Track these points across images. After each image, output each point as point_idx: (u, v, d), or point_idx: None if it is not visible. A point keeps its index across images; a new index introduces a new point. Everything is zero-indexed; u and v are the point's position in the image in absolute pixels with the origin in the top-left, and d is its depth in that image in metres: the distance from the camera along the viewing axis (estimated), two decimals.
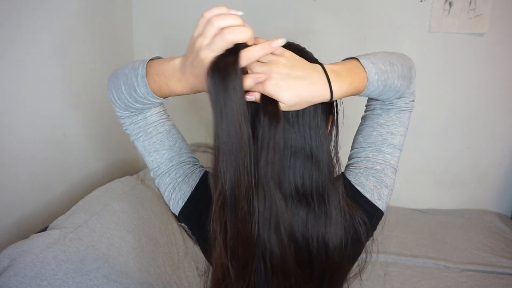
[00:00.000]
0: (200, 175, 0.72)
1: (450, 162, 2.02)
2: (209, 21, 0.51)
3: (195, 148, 2.13)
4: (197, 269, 1.40)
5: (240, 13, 0.53)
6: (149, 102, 0.63)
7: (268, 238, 0.57)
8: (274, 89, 0.54)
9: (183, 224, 1.65)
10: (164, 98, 0.63)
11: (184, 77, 0.56)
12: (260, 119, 0.55)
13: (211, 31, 0.50)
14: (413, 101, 0.71)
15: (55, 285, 1.05)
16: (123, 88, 0.63)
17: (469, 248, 1.69)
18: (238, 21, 0.52)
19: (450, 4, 1.77)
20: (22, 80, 1.34)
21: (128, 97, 0.64)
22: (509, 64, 1.84)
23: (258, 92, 0.56)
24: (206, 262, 0.74)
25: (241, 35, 0.51)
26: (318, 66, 0.58)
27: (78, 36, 1.62)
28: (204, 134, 2.18)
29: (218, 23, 0.50)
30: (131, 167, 2.14)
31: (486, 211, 1.99)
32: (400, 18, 1.86)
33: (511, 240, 1.77)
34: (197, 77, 0.54)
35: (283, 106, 0.56)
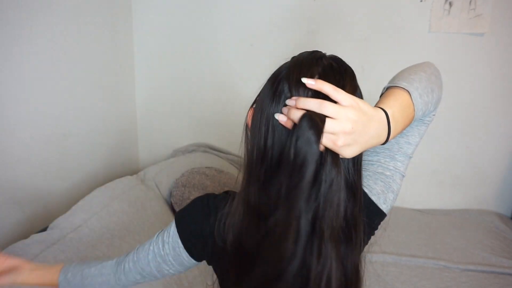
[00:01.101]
0: (180, 245, 0.71)
1: (450, 162, 2.02)
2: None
3: (195, 148, 2.13)
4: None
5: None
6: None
7: None
8: (343, 149, 0.52)
9: None
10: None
11: None
12: (325, 171, 0.52)
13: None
14: (434, 114, 0.70)
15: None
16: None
17: (469, 248, 1.69)
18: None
19: (450, 4, 1.77)
20: (22, 80, 1.34)
21: None
22: (509, 64, 1.83)
23: (325, 146, 0.52)
24: (214, 275, 0.74)
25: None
26: (383, 117, 0.54)
27: (78, 37, 1.62)
28: (204, 133, 2.18)
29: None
30: (131, 167, 2.14)
31: (486, 211, 1.99)
32: (400, 18, 1.86)
33: (511, 240, 1.76)
34: None
35: (341, 156, 0.54)
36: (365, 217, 0.65)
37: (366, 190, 0.67)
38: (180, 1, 2.02)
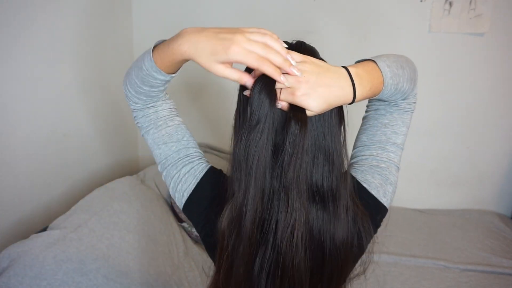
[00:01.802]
0: (206, 170, 0.73)
1: (450, 162, 2.02)
2: (265, 33, 0.56)
3: None
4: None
5: (285, 45, 0.57)
6: (153, 79, 0.66)
7: (283, 245, 0.59)
8: (304, 99, 0.55)
9: (183, 224, 1.65)
10: (166, 72, 0.65)
11: (192, 37, 0.58)
12: (290, 127, 0.56)
13: (259, 37, 0.55)
14: (415, 102, 0.73)
15: (55, 285, 1.05)
16: (133, 73, 0.68)
17: (469, 248, 1.69)
18: (282, 51, 0.56)
19: (450, 4, 1.77)
20: (22, 80, 1.34)
21: (136, 80, 0.67)
22: (509, 64, 1.84)
23: (287, 101, 0.57)
24: (211, 263, 0.74)
25: (270, 70, 0.55)
26: (343, 70, 0.58)
27: (78, 37, 1.62)
28: (204, 133, 2.18)
29: (269, 41, 0.55)
30: (131, 167, 2.14)
31: (486, 211, 1.99)
32: (400, 18, 1.86)
33: (511, 240, 1.77)
34: (208, 44, 0.56)
35: (310, 113, 0.57)
36: (364, 213, 0.66)
37: (365, 185, 0.68)
38: (180, 1, 2.02)
